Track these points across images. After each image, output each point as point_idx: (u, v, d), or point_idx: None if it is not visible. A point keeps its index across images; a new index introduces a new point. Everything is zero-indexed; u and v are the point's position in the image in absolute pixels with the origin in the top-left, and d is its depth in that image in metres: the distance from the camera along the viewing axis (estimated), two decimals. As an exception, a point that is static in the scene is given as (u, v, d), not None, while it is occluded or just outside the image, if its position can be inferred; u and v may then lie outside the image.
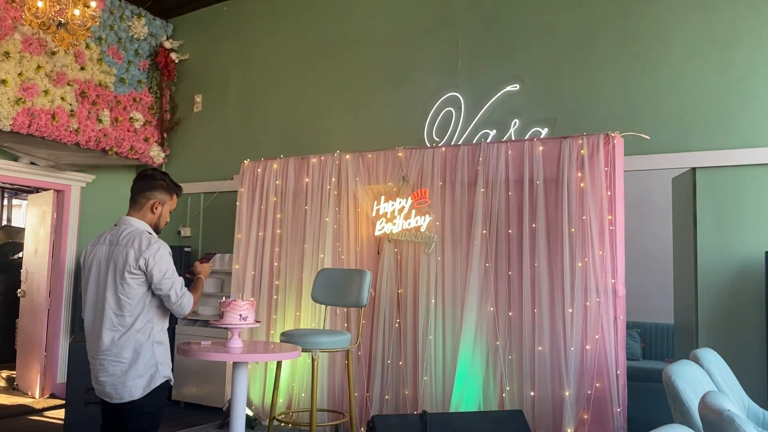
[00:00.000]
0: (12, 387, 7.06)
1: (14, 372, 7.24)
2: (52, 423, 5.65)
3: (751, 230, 4.28)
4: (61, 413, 5.93)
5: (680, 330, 4.87)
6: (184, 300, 2.76)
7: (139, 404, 2.69)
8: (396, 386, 4.75)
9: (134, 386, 2.68)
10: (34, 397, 6.57)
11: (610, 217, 4.08)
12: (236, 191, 6.48)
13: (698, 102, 4.55)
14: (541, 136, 4.70)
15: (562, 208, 4.18)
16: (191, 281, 3.02)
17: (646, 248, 6.14)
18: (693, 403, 2.40)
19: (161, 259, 2.71)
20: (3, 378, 7.33)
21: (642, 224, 6.12)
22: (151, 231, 2.86)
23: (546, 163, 4.32)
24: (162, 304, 2.80)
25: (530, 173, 4.35)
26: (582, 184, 4.15)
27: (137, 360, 2.68)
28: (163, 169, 7.18)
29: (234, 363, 3.48)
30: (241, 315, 3.38)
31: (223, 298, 3.52)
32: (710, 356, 3.12)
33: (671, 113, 4.62)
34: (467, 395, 4.34)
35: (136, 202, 2.88)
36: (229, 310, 3.37)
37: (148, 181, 2.88)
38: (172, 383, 2.84)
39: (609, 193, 4.09)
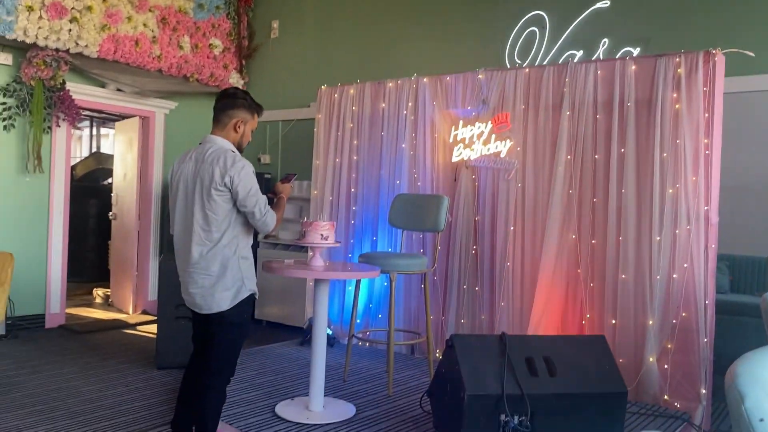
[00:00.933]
0: (107, 303, 7.55)
1: (109, 290, 7.73)
2: (144, 336, 6.03)
3: None
4: (152, 328, 6.32)
5: (775, 263, 4.62)
6: (267, 217, 2.81)
7: (227, 315, 2.79)
8: (472, 310, 4.77)
9: (222, 298, 2.78)
10: (127, 313, 7.01)
11: (706, 141, 3.84)
12: (313, 118, 6.52)
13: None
14: (628, 57, 4.42)
15: (654, 132, 3.96)
16: (273, 201, 3.07)
17: (740, 177, 5.76)
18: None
19: (246, 176, 2.76)
20: (100, 295, 7.85)
21: (737, 151, 5.74)
22: (235, 149, 2.89)
23: (638, 83, 4.07)
24: (247, 221, 2.87)
25: (620, 95, 4.12)
26: (677, 106, 3.90)
27: (224, 273, 2.78)
28: (242, 97, 7.26)
29: (315, 281, 3.57)
30: (322, 235, 3.43)
31: (305, 218, 3.57)
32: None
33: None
34: (545, 322, 4.31)
35: (219, 121, 2.91)
36: (311, 230, 3.42)
37: (231, 100, 2.90)
38: (257, 296, 2.94)
39: (707, 115, 3.83)
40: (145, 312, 6.96)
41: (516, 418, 2.99)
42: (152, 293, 7.03)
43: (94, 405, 4.01)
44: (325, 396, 3.60)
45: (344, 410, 3.58)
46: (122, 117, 7.47)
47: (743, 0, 4.39)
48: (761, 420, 1.13)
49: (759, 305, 5.27)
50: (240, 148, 2.94)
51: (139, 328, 6.37)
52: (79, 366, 4.89)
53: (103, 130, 11.50)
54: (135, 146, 7.00)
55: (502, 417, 2.98)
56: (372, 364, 4.67)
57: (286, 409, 3.54)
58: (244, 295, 2.83)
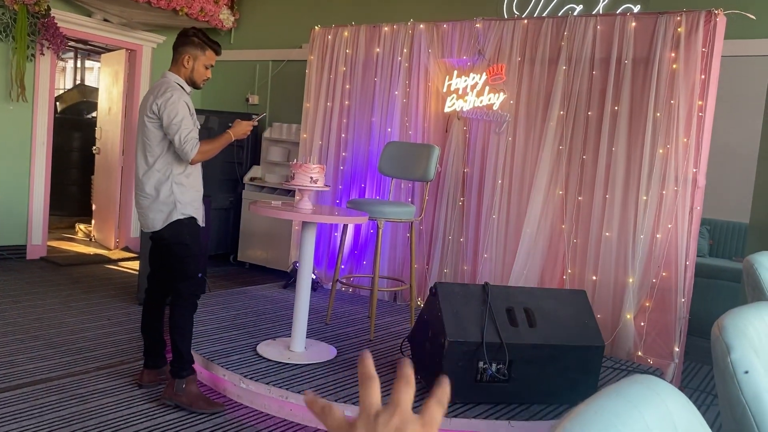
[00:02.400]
0: (89, 239, 7.51)
1: (91, 225, 7.68)
2: (126, 272, 6.03)
3: None
4: (134, 264, 6.32)
5: (755, 229, 4.68)
6: (186, 146, 2.94)
7: (164, 235, 3.04)
8: (455, 261, 4.80)
9: (155, 219, 3.03)
10: (109, 249, 6.98)
11: (700, 102, 3.82)
12: (305, 60, 6.39)
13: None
14: (634, 12, 4.35)
15: (649, 91, 3.93)
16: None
17: (725, 142, 5.80)
18: (774, 292, 2.31)
19: (171, 105, 2.91)
20: (82, 230, 7.80)
21: (726, 116, 5.75)
22: (182, 83, 3.06)
23: (637, 40, 4.02)
24: None
25: (618, 51, 4.07)
26: (674, 66, 3.87)
27: (158, 196, 3.00)
28: (232, 35, 7.09)
29: (303, 223, 3.56)
30: (311, 177, 3.40)
31: (294, 160, 3.53)
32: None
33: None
34: (527, 274, 4.36)
35: (173, 58, 3.12)
36: (300, 172, 3.39)
37: (182, 38, 3.09)
38: (199, 222, 3.13)
39: (703, 76, 3.81)
40: (126, 249, 6.93)
41: (494, 365, 3.04)
42: (134, 230, 6.99)
43: (76, 336, 4.03)
44: (306, 338, 3.63)
45: (325, 352, 3.63)
46: (108, 50, 7.28)
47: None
48: (746, 372, 1.16)
49: (736, 270, 5.39)
50: (194, 84, 3.12)
51: (120, 264, 6.36)
52: (60, 298, 4.89)
53: (87, 63, 11.20)
54: (121, 80, 6.85)
55: (481, 364, 3.04)
56: (354, 309, 4.71)
57: (267, 349, 3.58)
58: (176, 217, 3.02)
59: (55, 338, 3.95)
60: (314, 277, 5.15)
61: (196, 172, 3.13)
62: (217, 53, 3.18)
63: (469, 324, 3.07)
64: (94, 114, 9.05)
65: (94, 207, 7.62)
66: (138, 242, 6.97)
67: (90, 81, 11.28)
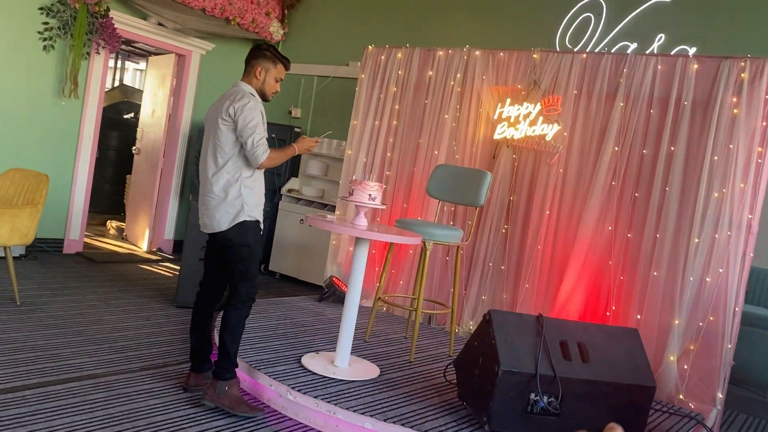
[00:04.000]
0: (121, 236, 7.56)
1: (123, 223, 7.74)
2: (161, 273, 6.05)
3: None
4: (169, 266, 6.35)
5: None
6: (258, 150, 2.99)
7: (230, 236, 3.07)
8: (494, 288, 4.78)
9: (222, 219, 3.07)
10: (140, 249, 7.02)
11: (760, 149, 3.81)
12: (350, 78, 6.46)
13: None
14: (689, 55, 4.37)
15: (707, 134, 3.93)
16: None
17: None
18: None
19: (249, 110, 2.99)
20: (113, 227, 7.86)
21: None
22: (255, 93, 3.15)
23: (698, 83, 4.02)
24: None
25: (678, 92, 4.07)
26: (735, 110, 3.87)
27: (226, 197, 3.05)
28: (280, 47, 7.18)
29: (356, 240, 3.57)
30: (370, 195, 3.42)
31: (353, 177, 3.56)
32: None
33: None
34: (569, 307, 4.33)
35: (245, 70, 3.23)
36: (360, 189, 3.41)
37: (255, 51, 3.22)
38: (261, 226, 3.18)
39: (765, 123, 3.80)
40: (159, 250, 6.97)
41: (546, 398, 3.02)
42: (168, 232, 7.05)
43: (117, 334, 4.04)
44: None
45: (369, 370, 3.61)
46: (154, 53, 7.39)
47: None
48: None
49: (774, 318, 5.32)
50: (264, 96, 3.20)
51: (155, 265, 6.39)
52: (99, 294, 4.92)
53: (127, 63, 11.37)
54: (168, 83, 6.94)
55: (532, 395, 3.01)
56: (390, 328, 4.70)
57: (312, 362, 3.57)
58: (242, 218, 3.06)
59: (97, 335, 3.97)
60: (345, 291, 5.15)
61: (261, 178, 3.19)
62: (287, 68, 3.28)
63: (523, 354, 3.05)
64: (132, 114, 9.17)
65: (127, 206, 7.69)
66: (170, 244, 7.03)
67: (127, 81, 11.45)
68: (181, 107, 6.89)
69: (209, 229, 3.14)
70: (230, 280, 3.16)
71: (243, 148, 3.04)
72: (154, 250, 6.98)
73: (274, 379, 3.27)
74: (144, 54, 8.84)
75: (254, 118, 3.00)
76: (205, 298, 3.33)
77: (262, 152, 3.01)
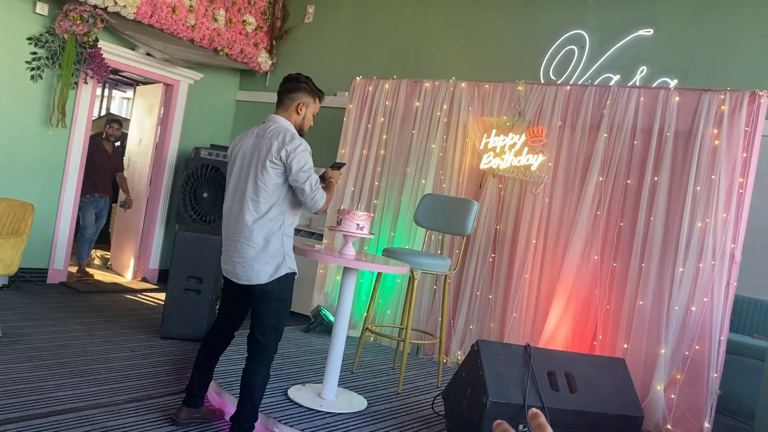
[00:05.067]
0: (106, 266, 7.49)
1: (108, 252, 7.67)
2: (146, 303, 5.99)
3: None
4: (154, 296, 6.29)
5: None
6: (317, 194, 2.85)
7: (269, 289, 2.84)
8: (482, 318, 4.78)
9: (262, 271, 2.82)
10: (125, 278, 6.96)
11: (741, 179, 3.88)
12: (337, 108, 6.51)
13: None
14: (671, 87, 4.46)
15: (690, 164, 4.00)
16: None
17: (753, 219, 5.86)
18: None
19: (302, 153, 2.81)
20: (98, 256, 7.78)
21: (755, 194, 5.82)
22: (294, 131, 2.95)
23: (680, 115, 4.11)
24: (295, 199, 2.90)
25: (661, 123, 4.15)
26: (716, 142, 3.94)
27: (267, 247, 2.82)
28: (268, 77, 7.24)
29: (344, 270, 3.57)
30: (358, 224, 3.43)
31: (342, 206, 3.57)
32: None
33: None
34: (556, 337, 4.34)
35: (282, 103, 3.00)
36: (348, 218, 3.42)
37: (294, 83, 3.00)
38: (297, 277, 2.96)
39: (745, 154, 3.88)
40: (144, 279, 6.91)
41: (534, 429, 3.00)
42: (154, 262, 7.00)
43: (102, 366, 3.98)
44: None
45: (356, 402, 3.58)
46: (140, 82, 7.42)
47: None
48: None
49: (757, 347, 5.36)
50: (301, 131, 3.01)
51: (139, 295, 6.33)
52: (83, 326, 4.85)
53: (114, 92, 11.40)
54: (155, 113, 6.95)
55: (521, 427, 3.00)
56: (378, 359, 4.67)
57: (298, 394, 3.54)
58: (284, 271, 2.86)
59: (81, 366, 3.91)
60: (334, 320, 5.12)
61: (296, 223, 3.02)
62: (322, 102, 3.14)
63: (511, 385, 3.04)
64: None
65: (112, 235, 7.63)
66: (156, 274, 6.98)
67: (113, 110, 11.46)
68: (168, 136, 6.90)
69: (245, 281, 2.86)
70: (258, 332, 2.88)
71: (289, 193, 2.85)
72: (140, 279, 6.92)
73: (260, 412, 3.23)
74: (131, 83, 8.87)
75: (308, 161, 2.83)
76: (217, 342, 3.15)
77: (321, 197, 2.86)
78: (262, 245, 2.81)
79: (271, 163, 2.79)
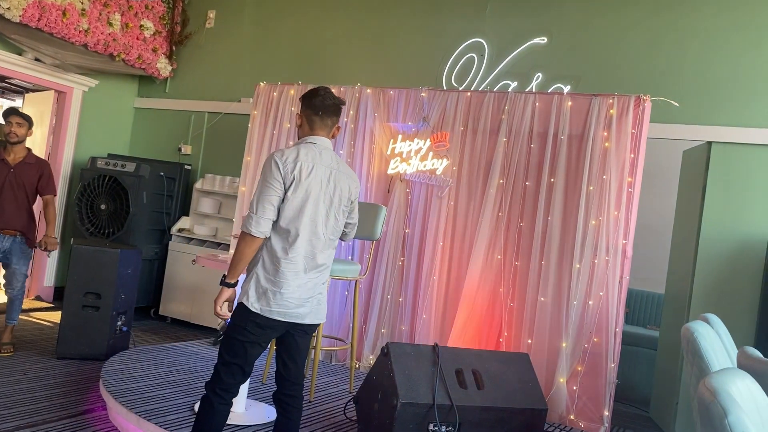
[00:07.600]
0: (-6, 286, 6.97)
1: (-3, 271, 7.15)
2: (40, 323, 5.64)
3: (759, 210, 4.38)
4: (48, 315, 5.93)
5: (671, 299, 5.01)
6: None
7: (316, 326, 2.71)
8: (393, 321, 4.82)
9: (325, 308, 2.70)
10: (18, 298, 6.50)
11: (630, 179, 4.13)
12: (242, 114, 6.40)
13: (724, 77, 4.58)
14: (564, 93, 4.69)
15: (583, 166, 4.21)
16: None
17: (642, 217, 6.24)
18: (713, 360, 2.49)
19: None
20: (-15, 276, 7.24)
21: (644, 192, 6.20)
22: None
23: (573, 119, 4.32)
24: None
25: (555, 127, 4.35)
26: (606, 144, 4.17)
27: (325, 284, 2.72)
28: (168, 83, 7.01)
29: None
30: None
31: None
32: (718, 321, 3.23)
33: (696, 85, 4.65)
34: (464, 336, 4.44)
35: (325, 125, 2.68)
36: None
37: (340, 108, 2.76)
38: None
39: (632, 155, 4.12)
40: (38, 298, 6.50)
41: (444, 427, 3.06)
42: (48, 279, 6.60)
43: (-11, 392, 3.71)
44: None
45: (266, 413, 3.51)
46: (29, 89, 7.00)
47: (669, 55, 4.78)
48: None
49: (650, 337, 5.71)
50: None
51: (34, 314, 5.94)
52: (-33, 350, 4.49)
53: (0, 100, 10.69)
54: (46, 121, 6.57)
55: (431, 426, 3.04)
56: (289, 368, 4.60)
57: (206, 408, 3.42)
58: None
59: (-36, 394, 3.62)
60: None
61: None
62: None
63: (421, 385, 3.08)
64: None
65: (1, 252, 7.13)
66: (51, 292, 6.58)
67: None
68: (61, 147, 6.53)
69: (311, 320, 2.59)
70: (301, 368, 2.72)
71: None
72: (32, 298, 6.50)
73: (164, 429, 3.10)
74: (20, 90, 8.35)
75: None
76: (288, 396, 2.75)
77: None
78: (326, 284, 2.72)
79: (351, 204, 2.70)
